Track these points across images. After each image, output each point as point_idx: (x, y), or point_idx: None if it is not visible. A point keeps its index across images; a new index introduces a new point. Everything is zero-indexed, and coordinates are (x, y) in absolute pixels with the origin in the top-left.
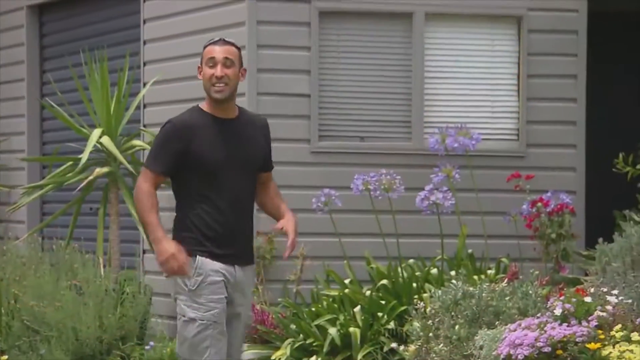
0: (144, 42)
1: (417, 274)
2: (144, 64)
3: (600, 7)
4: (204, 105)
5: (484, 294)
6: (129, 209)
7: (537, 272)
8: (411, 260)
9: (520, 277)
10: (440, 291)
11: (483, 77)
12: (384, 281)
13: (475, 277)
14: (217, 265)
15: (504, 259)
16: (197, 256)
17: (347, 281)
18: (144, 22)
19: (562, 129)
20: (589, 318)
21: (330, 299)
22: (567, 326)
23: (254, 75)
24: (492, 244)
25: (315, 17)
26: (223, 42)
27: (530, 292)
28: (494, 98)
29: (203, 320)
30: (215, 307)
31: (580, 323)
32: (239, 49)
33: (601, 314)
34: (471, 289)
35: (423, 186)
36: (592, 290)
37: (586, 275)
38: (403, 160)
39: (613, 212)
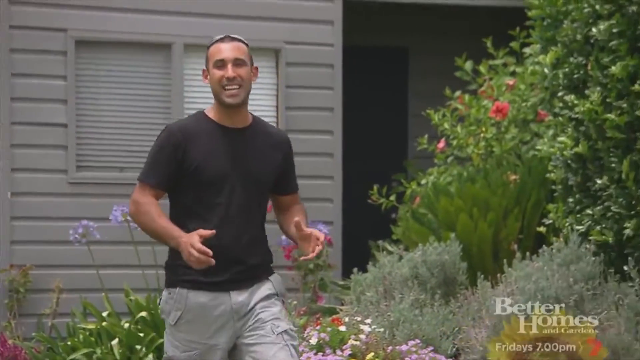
0: None
1: None
2: None
3: (355, 42)
4: (209, 111)
5: None
6: None
7: (295, 302)
8: None
9: None
10: None
11: None
12: (143, 313)
13: None
14: (203, 297)
15: None
16: (178, 288)
17: (105, 314)
18: None
19: (320, 160)
20: (344, 347)
21: (87, 333)
22: (322, 355)
23: (8, 104)
24: None
25: (71, 46)
26: (230, 39)
27: None
28: None
29: None
30: (195, 348)
31: (335, 352)
32: (248, 45)
33: (355, 342)
34: None
35: None
36: (347, 319)
37: (342, 304)
38: None
39: (368, 243)
